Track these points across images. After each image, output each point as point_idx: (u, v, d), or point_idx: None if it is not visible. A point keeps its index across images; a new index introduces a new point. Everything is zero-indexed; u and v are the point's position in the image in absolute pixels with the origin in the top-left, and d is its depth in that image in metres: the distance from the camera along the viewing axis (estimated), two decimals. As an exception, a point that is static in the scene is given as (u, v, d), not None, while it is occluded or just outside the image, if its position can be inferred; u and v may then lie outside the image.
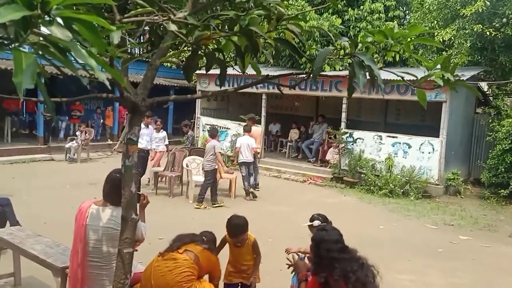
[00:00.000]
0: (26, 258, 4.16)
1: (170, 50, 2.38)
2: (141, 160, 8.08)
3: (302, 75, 2.21)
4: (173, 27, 1.61)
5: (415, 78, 2.24)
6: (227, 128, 14.52)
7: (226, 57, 2.24)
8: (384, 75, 2.23)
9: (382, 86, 2.00)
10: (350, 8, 14.62)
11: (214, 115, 15.86)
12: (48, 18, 0.95)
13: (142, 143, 8.81)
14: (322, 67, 2.00)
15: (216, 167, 8.68)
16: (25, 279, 4.58)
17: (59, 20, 1.04)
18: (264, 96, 13.86)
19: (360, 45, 2.00)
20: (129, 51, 2.96)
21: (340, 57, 2.06)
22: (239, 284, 3.83)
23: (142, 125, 8.88)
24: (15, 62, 0.95)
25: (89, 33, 1.17)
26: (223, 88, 2.57)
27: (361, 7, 14.55)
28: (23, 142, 13.25)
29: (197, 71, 15.02)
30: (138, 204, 3.57)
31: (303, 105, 16.92)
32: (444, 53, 15.63)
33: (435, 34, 12.90)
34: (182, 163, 9.42)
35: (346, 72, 11.99)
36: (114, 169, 3.26)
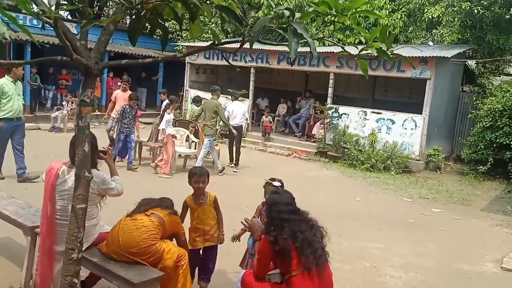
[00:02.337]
0: (2, 220, 4.31)
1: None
2: None
3: (240, 42, 2.29)
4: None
5: (357, 50, 2.33)
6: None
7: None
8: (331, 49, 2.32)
9: (314, 54, 2.11)
10: (341, -18, 14.49)
11: (203, 88, 15.87)
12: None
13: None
14: (258, 34, 2.09)
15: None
16: (0, 240, 4.74)
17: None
18: (252, 70, 13.88)
19: (298, 14, 2.09)
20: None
21: (279, 25, 2.15)
22: (204, 248, 3.98)
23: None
24: None
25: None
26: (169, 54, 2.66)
27: (352, -19, 14.44)
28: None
29: (186, 44, 14.99)
30: (103, 160, 3.72)
31: (292, 80, 16.96)
32: (434, 30, 15.66)
33: (425, 11, 12.91)
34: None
35: (334, 48, 12.03)
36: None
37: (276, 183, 3.80)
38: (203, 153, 9.36)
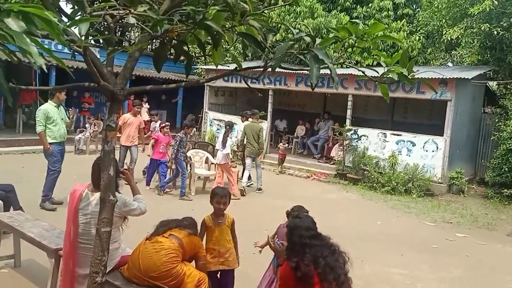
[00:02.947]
0: (27, 242, 4.39)
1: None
2: None
3: (262, 68, 2.33)
4: (132, 20, 1.76)
5: (377, 74, 2.34)
6: (234, 124, 14.69)
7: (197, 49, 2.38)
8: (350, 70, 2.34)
9: (336, 79, 2.12)
10: (358, 6, 14.63)
11: (222, 110, 16.04)
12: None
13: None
14: (280, 60, 2.13)
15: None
16: (25, 261, 4.81)
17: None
18: (270, 92, 13.99)
19: (319, 40, 2.12)
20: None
21: (300, 51, 2.18)
22: (218, 271, 3.95)
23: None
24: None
25: (45, 24, 1.33)
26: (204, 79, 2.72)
27: (370, 4, 14.56)
28: (34, 133, 13.53)
29: (205, 67, 15.24)
30: (122, 180, 3.75)
31: (310, 102, 17.01)
32: (454, 51, 15.58)
33: (443, 32, 12.86)
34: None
35: (352, 70, 12.06)
36: (98, 157, 3.46)
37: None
38: (260, 172, 10.01)
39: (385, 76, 2.29)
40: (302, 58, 2.17)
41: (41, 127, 6.95)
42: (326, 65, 2.15)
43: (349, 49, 11.95)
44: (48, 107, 7.04)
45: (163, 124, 9.60)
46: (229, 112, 15.94)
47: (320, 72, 2.25)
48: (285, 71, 13.02)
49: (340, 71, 11.96)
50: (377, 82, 2.36)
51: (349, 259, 3.06)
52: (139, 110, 9.93)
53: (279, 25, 14.66)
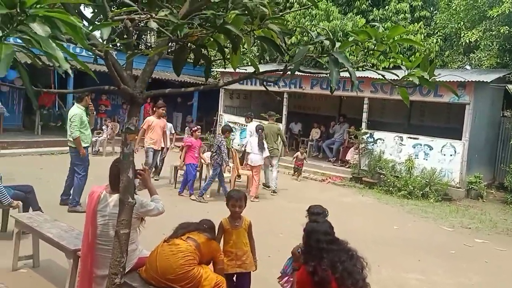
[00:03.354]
0: (45, 243, 4.45)
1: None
2: None
3: (282, 71, 2.32)
4: (153, 25, 1.78)
5: (397, 77, 2.32)
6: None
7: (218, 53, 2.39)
8: (366, 73, 2.32)
9: (355, 83, 2.11)
10: (375, 8, 14.52)
11: (237, 112, 16.07)
12: (25, 16, 1.14)
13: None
14: (300, 64, 2.12)
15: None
16: (43, 262, 4.87)
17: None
18: (285, 95, 13.97)
19: (338, 44, 2.11)
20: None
21: (319, 55, 2.17)
22: (235, 274, 3.95)
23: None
24: (-5, 52, 1.13)
25: (69, 29, 1.35)
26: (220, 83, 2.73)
27: (387, 7, 14.44)
28: (52, 135, 13.79)
29: (220, 70, 15.30)
30: (138, 181, 3.72)
31: (326, 105, 16.94)
32: (472, 54, 15.35)
33: (461, 35, 12.71)
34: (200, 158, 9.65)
35: (368, 73, 11.99)
36: (115, 159, 3.50)
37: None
38: (276, 174, 10.04)
39: (405, 79, 2.27)
40: (320, 61, 2.16)
41: (78, 132, 6.95)
42: (346, 69, 2.14)
43: (361, 53, 11.85)
44: (81, 111, 7.03)
45: (195, 128, 9.51)
46: (243, 114, 15.94)
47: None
48: (301, 74, 13.11)
49: (356, 74, 11.87)
50: (397, 86, 2.34)
51: (367, 264, 3.02)
52: (163, 111, 9.73)
53: (295, 28, 14.65)
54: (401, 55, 2.42)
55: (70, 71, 1.26)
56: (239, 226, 3.95)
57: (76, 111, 7.05)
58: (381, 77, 2.49)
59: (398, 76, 2.34)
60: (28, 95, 1.43)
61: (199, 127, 9.71)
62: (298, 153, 12.20)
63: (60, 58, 1.17)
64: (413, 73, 2.23)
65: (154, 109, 10.12)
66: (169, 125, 11.03)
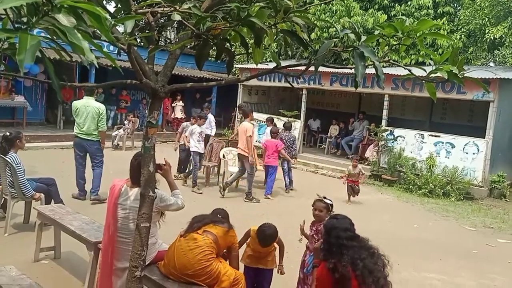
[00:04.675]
0: (67, 235, 4.52)
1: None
2: None
3: (304, 66, 2.29)
4: (177, 17, 1.76)
5: (424, 73, 2.26)
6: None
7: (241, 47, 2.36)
8: (386, 70, 2.27)
9: (382, 77, 2.06)
10: (397, 4, 14.29)
11: (255, 109, 16.00)
12: (51, 7, 1.13)
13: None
14: (323, 59, 2.08)
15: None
16: (64, 253, 4.95)
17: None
18: (304, 91, 13.88)
19: (363, 37, 2.06)
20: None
21: (344, 49, 2.13)
22: (257, 268, 3.95)
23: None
24: (20, 42, 1.13)
25: (94, 20, 1.35)
26: (235, 77, 2.70)
27: (409, 2, 14.19)
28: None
29: (239, 65, 15.29)
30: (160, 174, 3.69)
31: (345, 102, 16.78)
32: (496, 51, 14.99)
33: (486, 31, 12.41)
34: (219, 154, 9.67)
35: (389, 69, 11.81)
36: (136, 153, 3.52)
37: (327, 201, 3.78)
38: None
39: (432, 74, 2.21)
40: (348, 56, 2.12)
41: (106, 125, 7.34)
42: (371, 63, 2.09)
43: (385, 48, 11.67)
44: (101, 104, 7.35)
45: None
46: (261, 110, 15.93)
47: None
48: (322, 70, 12.98)
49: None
50: (424, 81, 2.27)
51: (388, 262, 2.97)
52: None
53: (315, 22, 14.52)
54: (427, 49, 2.35)
55: (95, 62, 1.25)
56: None
57: (103, 106, 7.34)
58: (405, 72, 2.43)
59: (425, 71, 2.27)
60: (53, 87, 1.43)
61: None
62: (350, 167, 9.13)
63: (86, 48, 1.17)
64: (441, 67, 2.17)
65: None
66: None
